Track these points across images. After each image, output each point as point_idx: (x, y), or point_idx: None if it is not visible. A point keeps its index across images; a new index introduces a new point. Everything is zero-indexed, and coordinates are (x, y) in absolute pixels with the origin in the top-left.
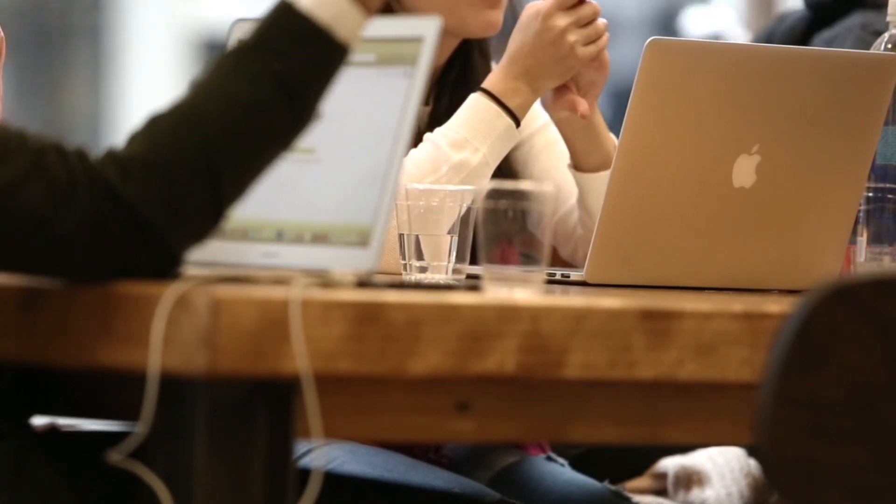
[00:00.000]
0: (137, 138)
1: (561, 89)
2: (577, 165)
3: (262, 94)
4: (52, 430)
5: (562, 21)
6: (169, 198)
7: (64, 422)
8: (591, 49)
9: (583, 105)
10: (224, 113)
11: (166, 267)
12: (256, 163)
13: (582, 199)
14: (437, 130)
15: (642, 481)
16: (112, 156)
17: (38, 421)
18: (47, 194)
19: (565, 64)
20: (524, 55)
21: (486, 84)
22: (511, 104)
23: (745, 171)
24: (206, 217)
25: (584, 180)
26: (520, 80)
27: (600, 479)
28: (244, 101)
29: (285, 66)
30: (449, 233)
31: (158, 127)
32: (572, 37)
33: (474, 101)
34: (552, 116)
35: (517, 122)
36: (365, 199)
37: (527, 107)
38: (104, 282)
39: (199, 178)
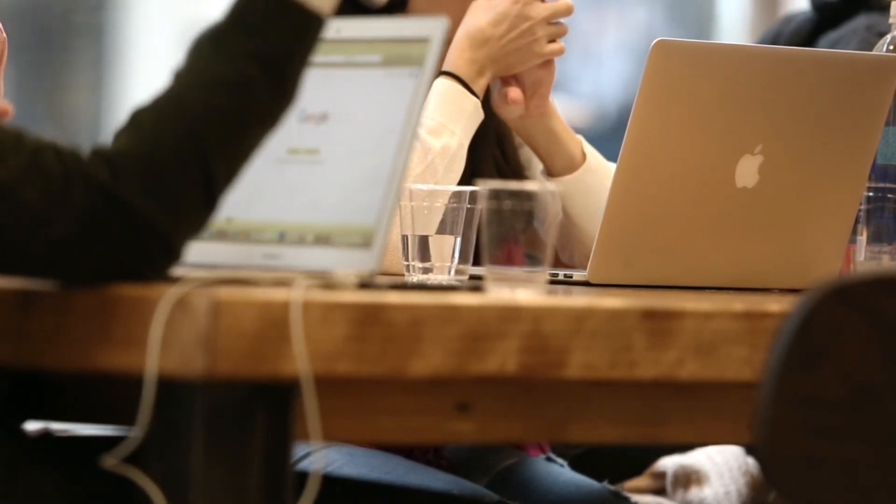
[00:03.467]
0: (123, 134)
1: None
2: (546, 171)
3: (243, 73)
4: (46, 435)
5: (539, 12)
6: (160, 189)
7: (58, 426)
8: (554, 48)
9: (512, 92)
10: (207, 97)
11: (165, 262)
12: (244, 144)
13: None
14: None
15: (641, 481)
16: (100, 154)
17: (32, 426)
18: (43, 195)
19: (524, 55)
20: (494, 39)
21: (450, 68)
22: (476, 88)
23: (748, 171)
24: (200, 204)
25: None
26: (484, 65)
27: (600, 479)
28: (226, 83)
29: (263, 43)
30: (452, 234)
31: (142, 120)
32: (541, 31)
33: (442, 85)
34: (508, 122)
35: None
36: (368, 200)
37: (484, 88)
38: (102, 282)
39: (189, 167)
